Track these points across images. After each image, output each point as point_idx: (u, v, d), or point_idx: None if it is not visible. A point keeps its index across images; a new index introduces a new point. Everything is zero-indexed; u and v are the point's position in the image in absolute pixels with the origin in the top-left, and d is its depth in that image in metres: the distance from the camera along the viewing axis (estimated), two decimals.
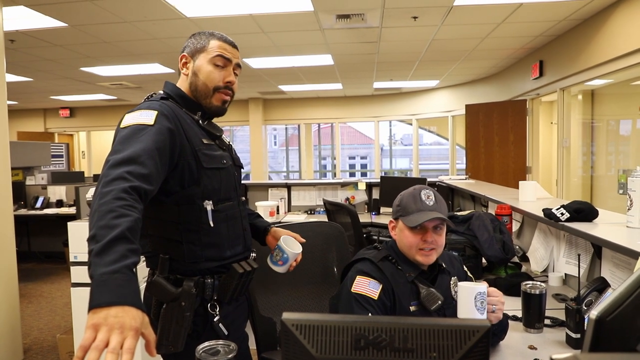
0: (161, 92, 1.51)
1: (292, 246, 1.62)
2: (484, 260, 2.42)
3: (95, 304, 0.91)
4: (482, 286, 1.37)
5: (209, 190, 1.42)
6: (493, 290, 1.44)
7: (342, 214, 3.88)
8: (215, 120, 1.57)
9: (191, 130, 1.42)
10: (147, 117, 1.31)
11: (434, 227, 1.53)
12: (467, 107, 6.88)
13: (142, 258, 1.40)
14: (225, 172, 1.49)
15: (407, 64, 6.50)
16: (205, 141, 1.45)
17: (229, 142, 1.63)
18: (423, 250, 1.52)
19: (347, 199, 5.28)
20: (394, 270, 1.52)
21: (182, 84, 1.52)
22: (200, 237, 1.41)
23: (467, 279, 1.68)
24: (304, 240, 1.68)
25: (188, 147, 1.38)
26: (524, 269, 2.45)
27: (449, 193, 4.64)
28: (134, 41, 4.93)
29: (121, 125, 1.30)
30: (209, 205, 1.41)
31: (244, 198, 1.62)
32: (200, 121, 1.49)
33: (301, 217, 4.97)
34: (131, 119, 1.31)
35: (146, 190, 1.16)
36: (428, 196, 1.55)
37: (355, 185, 5.33)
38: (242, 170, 1.66)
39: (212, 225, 1.42)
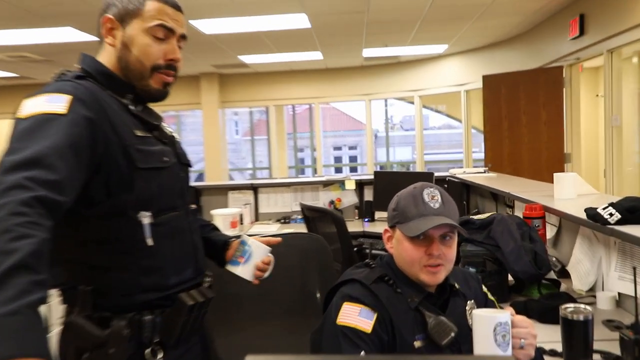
0: (77, 67, 1.49)
1: (258, 244, 1.64)
2: (510, 278, 2.43)
3: None
4: (504, 315, 1.38)
5: (146, 198, 1.41)
6: (520, 319, 1.44)
7: (326, 222, 3.88)
8: (153, 104, 1.57)
9: (119, 119, 1.41)
10: (56, 103, 1.29)
11: (441, 236, 1.54)
12: (485, 78, 6.93)
13: (54, 292, 1.38)
14: (167, 173, 1.48)
15: (406, 24, 6.52)
16: (138, 133, 1.44)
17: (171, 133, 1.62)
18: (428, 267, 1.53)
19: (332, 202, 5.30)
20: (391, 295, 1.53)
21: (106, 57, 1.50)
22: (135, 260, 1.40)
23: (487, 303, 1.69)
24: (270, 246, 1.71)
25: (115, 142, 1.37)
26: (563, 287, 2.47)
27: (463, 191, 4.68)
28: None
29: (21, 115, 1.27)
30: (145, 218, 1.41)
31: (194, 206, 1.62)
32: (132, 106, 1.48)
33: (272, 228, 4.95)
34: (34, 106, 1.28)
35: (56, 201, 1.15)
36: (433, 196, 1.56)
37: (341, 184, 5.34)
38: (190, 169, 1.66)
39: (150, 243, 1.41)
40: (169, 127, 1.65)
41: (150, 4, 1.48)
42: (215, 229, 1.80)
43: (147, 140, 1.46)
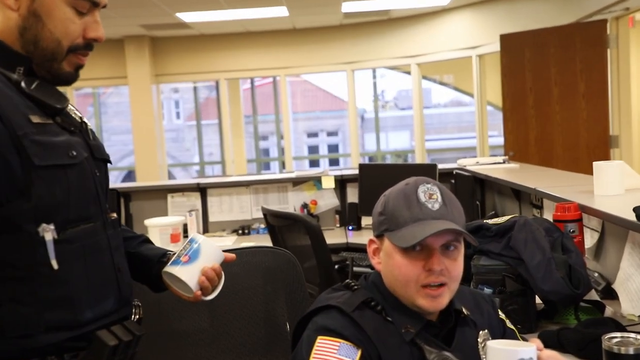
0: None
1: (211, 244, 1.67)
2: (538, 300, 2.44)
3: None
4: (528, 349, 1.40)
5: (48, 206, 1.42)
6: (550, 355, 1.46)
7: (297, 231, 3.89)
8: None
9: (6, 101, 1.41)
10: None
11: (443, 246, 1.55)
12: (504, 38, 6.97)
13: None
14: (77, 172, 1.49)
15: None
16: (35, 119, 1.44)
17: (81, 118, 1.62)
18: (427, 288, 1.54)
19: (305, 206, 5.31)
20: (380, 324, 1.54)
21: None
22: (35, 289, 1.40)
23: (505, 333, 1.71)
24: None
25: (3, 132, 1.37)
26: (608, 312, 2.48)
27: (475, 188, 4.72)
28: None
29: None
30: (48, 233, 1.41)
31: (115, 215, 1.62)
32: (24, 84, 1.47)
33: (226, 241, 4.96)
34: None
35: None
36: (430, 194, 1.58)
37: (317, 182, 5.35)
38: (109, 165, 1.66)
39: (55, 267, 1.41)
40: (77, 110, 1.65)
41: None
42: (147, 241, 1.79)
43: (47, 128, 1.46)
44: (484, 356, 1.56)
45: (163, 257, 1.73)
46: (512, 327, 1.75)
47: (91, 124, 1.70)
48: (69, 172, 1.46)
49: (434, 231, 1.51)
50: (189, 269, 1.62)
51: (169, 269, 1.63)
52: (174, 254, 1.72)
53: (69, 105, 1.59)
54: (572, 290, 2.29)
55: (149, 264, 1.72)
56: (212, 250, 1.65)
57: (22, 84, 1.47)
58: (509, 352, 1.39)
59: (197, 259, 1.61)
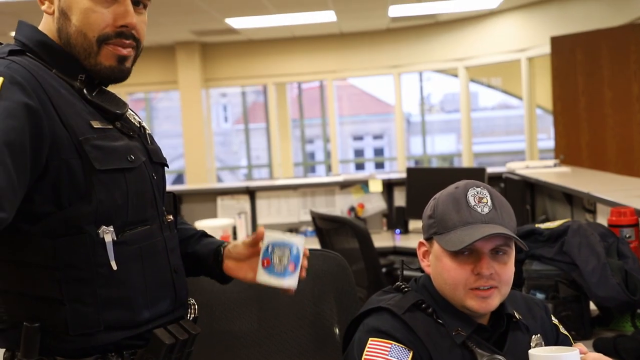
0: (17, 38, 1.51)
1: (299, 240, 1.61)
2: (593, 306, 2.42)
3: None
4: (570, 354, 1.38)
5: (108, 209, 1.43)
6: (595, 358, 1.45)
7: (345, 235, 3.89)
8: (114, 87, 1.57)
9: (70, 107, 1.42)
10: None
11: (492, 250, 1.55)
12: (555, 40, 6.90)
13: None
14: (135, 176, 1.50)
15: None
16: (96, 125, 1.46)
17: (140, 123, 1.63)
18: (477, 290, 1.54)
19: (353, 209, 5.30)
20: (431, 327, 1.55)
21: (47, 27, 1.52)
22: (95, 290, 1.41)
23: (558, 338, 1.69)
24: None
25: (66, 137, 1.39)
26: None
27: (525, 192, 4.67)
28: None
29: None
30: (107, 235, 1.42)
31: (171, 217, 1.63)
32: (85, 91, 1.49)
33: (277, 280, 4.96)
34: None
35: None
36: (480, 198, 1.58)
37: (364, 185, 5.34)
38: (166, 169, 1.67)
39: (114, 267, 1.43)
40: (136, 115, 1.66)
41: None
42: (204, 236, 1.78)
43: (107, 133, 1.47)
44: None
45: (217, 255, 1.70)
46: (565, 332, 1.73)
47: None
48: (128, 175, 1.47)
49: (482, 236, 1.51)
50: (296, 275, 1.59)
51: (279, 281, 1.58)
52: (225, 245, 1.71)
53: (129, 110, 1.60)
54: (628, 297, 2.25)
55: (206, 258, 1.70)
56: (302, 244, 1.60)
57: (84, 90, 1.48)
58: (551, 359, 1.38)
59: (299, 262, 1.59)
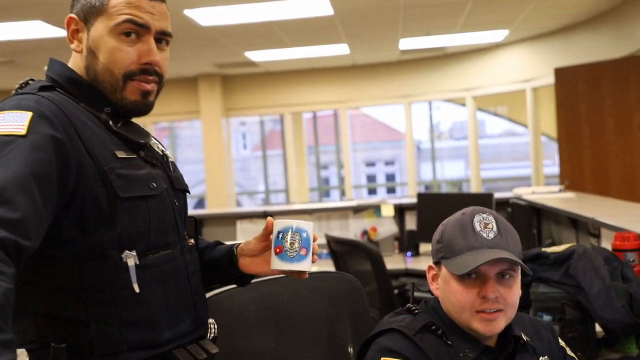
0: (48, 74, 1.53)
1: (308, 224, 1.59)
2: (599, 328, 2.39)
3: None
4: None
5: (131, 235, 1.44)
6: None
7: (358, 257, 3.88)
8: (139, 119, 1.59)
9: (95, 139, 1.44)
10: (14, 121, 1.33)
11: (498, 274, 1.55)
12: (558, 72, 6.90)
13: (21, 352, 1.40)
14: (157, 202, 1.50)
15: (455, 5, 6.52)
16: (120, 154, 1.47)
17: (163, 152, 1.64)
18: (482, 313, 1.54)
19: (366, 232, 5.28)
20: (440, 348, 1.54)
21: (76, 64, 1.54)
22: (119, 311, 1.42)
23: None
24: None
25: (91, 167, 1.41)
26: None
27: (532, 217, 4.65)
28: None
29: None
30: (130, 259, 1.43)
31: (192, 241, 1.63)
32: (111, 122, 1.50)
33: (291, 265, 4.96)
34: None
35: (18, 244, 1.19)
36: (486, 224, 1.58)
37: (377, 209, 5.33)
38: (187, 195, 1.67)
39: (137, 290, 1.43)
40: (160, 144, 1.67)
41: None
42: (219, 243, 1.76)
43: (131, 162, 1.48)
44: None
45: (231, 256, 1.68)
46: (572, 354, 1.72)
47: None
48: (150, 202, 1.48)
49: (486, 260, 1.51)
50: (309, 258, 1.58)
51: (294, 266, 1.57)
52: (236, 246, 1.69)
53: (153, 139, 1.61)
54: (633, 319, 2.22)
55: (222, 265, 1.69)
56: (311, 228, 1.59)
57: (110, 122, 1.50)
58: None
59: (310, 245, 1.57)
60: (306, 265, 1.57)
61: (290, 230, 1.56)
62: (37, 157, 1.29)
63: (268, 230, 1.60)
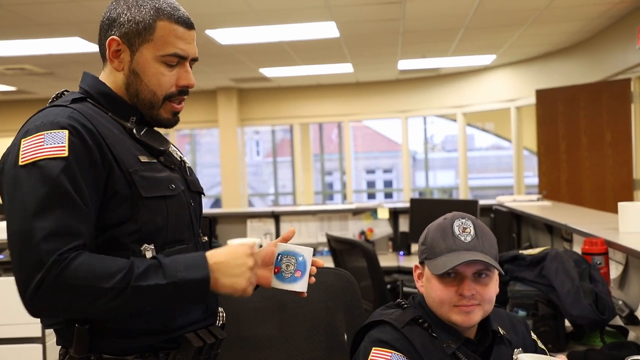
0: (81, 86, 1.55)
1: (308, 250, 1.61)
2: (568, 324, 2.40)
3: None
4: None
5: (150, 230, 1.45)
6: None
7: (355, 255, 3.88)
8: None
9: (121, 145, 1.46)
10: (55, 143, 1.36)
11: (475, 273, 1.56)
12: (539, 93, 6.89)
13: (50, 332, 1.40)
14: (175, 202, 1.51)
15: (448, 32, 6.53)
16: (143, 159, 1.49)
17: (181, 158, 1.65)
18: (461, 306, 1.55)
19: (363, 233, 5.30)
20: (426, 339, 1.54)
21: (111, 78, 1.55)
22: None
23: (537, 352, 1.67)
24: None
25: (117, 171, 1.43)
26: (631, 336, 2.40)
27: (512, 222, 4.65)
28: (40, 4, 5.00)
29: (20, 162, 1.35)
30: (148, 252, 1.44)
31: (205, 238, 1.64)
32: (135, 130, 1.52)
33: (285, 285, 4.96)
34: (33, 149, 1.35)
35: (78, 246, 1.32)
36: (464, 228, 1.59)
37: (373, 212, 5.33)
38: (202, 196, 1.68)
39: None
40: (178, 151, 1.69)
41: (162, 26, 1.50)
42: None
43: (152, 166, 1.50)
44: None
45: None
46: (543, 347, 1.73)
47: (188, 159, 1.74)
48: (169, 202, 1.49)
49: (462, 261, 1.53)
50: (304, 280, 1.58)
51: (286, 286, 1.58)
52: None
53: (172, 146, 1.63)
54: (598, 316, 2.24)
55: None
56: (309, 254, 1.60)
57: (134, 130, 1.52)
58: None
59: (306, 269, 1.57)
60: (299, 287, 1.57)
61: (287, 254, 1.58)
62: (79, 177, 1.37)
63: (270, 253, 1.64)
